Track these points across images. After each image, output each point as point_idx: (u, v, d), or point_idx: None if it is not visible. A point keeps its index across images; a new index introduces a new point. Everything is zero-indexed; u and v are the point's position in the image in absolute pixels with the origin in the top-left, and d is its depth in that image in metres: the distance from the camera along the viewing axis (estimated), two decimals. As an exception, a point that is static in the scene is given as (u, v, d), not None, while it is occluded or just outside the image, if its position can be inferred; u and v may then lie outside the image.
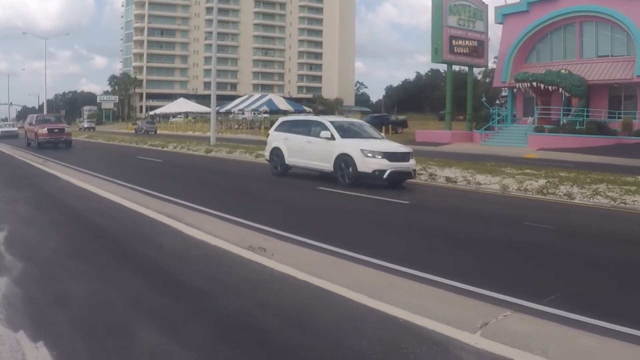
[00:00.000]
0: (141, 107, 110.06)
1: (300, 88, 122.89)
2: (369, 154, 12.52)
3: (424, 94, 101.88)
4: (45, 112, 56.37)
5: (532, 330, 3.93)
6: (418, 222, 9.20)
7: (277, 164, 15.21)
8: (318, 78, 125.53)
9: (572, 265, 6.27)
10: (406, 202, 10.78)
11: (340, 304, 4.58)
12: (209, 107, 36.47)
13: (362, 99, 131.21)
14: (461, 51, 36.05)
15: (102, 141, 38.14)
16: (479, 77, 77.01)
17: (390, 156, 12.61)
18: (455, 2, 35.67)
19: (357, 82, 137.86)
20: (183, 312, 4.35)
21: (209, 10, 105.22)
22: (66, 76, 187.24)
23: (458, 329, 3.99)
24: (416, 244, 7.39)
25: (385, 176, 12.40)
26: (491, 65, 52.70)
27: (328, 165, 13.37)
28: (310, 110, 69.04)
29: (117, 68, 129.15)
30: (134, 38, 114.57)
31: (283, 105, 61.52)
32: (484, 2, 37.78)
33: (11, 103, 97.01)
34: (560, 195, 11.62)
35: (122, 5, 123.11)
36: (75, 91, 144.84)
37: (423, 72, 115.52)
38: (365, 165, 12.47)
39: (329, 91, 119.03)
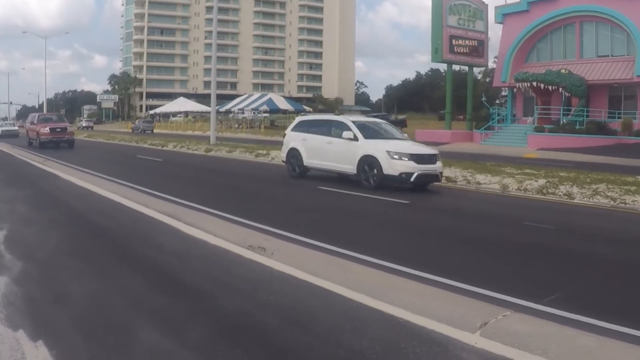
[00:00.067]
0: (141, 106, 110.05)
1: (300, 87, 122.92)
2: (395, 156, 11.95)
3: (424, 94, 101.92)
4: (45, 111, 56.28)
5: (532, 330, 3.93)
6: (418, 222, 9.20)
7: (294, 166, 14.54)
8: (318, 77, 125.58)
9: (572, 265, 6.27)
10: (406, 201, 10.78)
11: (340, 304, 4.58)
12: (209, 106, 36.48)
13: (362, 99, 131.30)
14: (461, 51, 36.03)
15: (102, 140, 38.16)
16: (479, 76, 77.08)
17: (418, 158, 12.05)
18: (455, 2, 35.66)
19: (357, 81, 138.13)
20: (183, 312, 4.35)
21: (209, 9, 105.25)
22: (66, 75, 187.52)
23: (458, 328, 3.99)
24: (416, 243, 7.40)
25: (412, 179, 11.84)
26: (491, 65, 52.73)
27: (351, 168, 12.76)
28: (311, 109, 69.03)
29: (117, 67, 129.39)
30: (134, 37, 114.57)
31: (283, 104, 61.49)
32: (484, 2, 37.76)
33: (11, 102, 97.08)
34: (560, 195, 11.62)
35: (122, 4, 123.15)
36: (75, 90, 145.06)
37: (423, 71, 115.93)
38: (392, 167, 11.91)
39: (329, 90, 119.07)
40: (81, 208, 9.49)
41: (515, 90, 36.84)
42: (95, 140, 38.74)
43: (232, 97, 77.81)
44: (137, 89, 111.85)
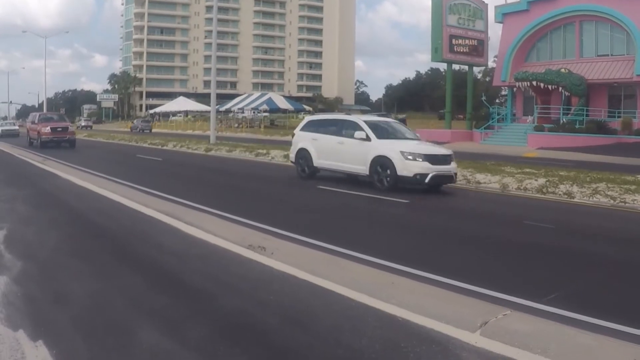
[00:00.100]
0: (141, 106, 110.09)
1: (300, 87, 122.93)
2: (410, 157, 11.69)
3: (424, 93, 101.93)
4: (45, 110, 56.21)
5: (532, 329, 3.93)
6: (417, 221, 9.20)
7: (303, 167, 14.18)
8: (318, 77, 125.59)
9: (572, 264, 6.27)
10: (406, 200, 10.78)
11: (340, 303, 4.58)
12: (209, 105, 36.46)
13: (362, 98, 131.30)
14: (461, 50, 36.01)
15: (102, 140, 38.15)
16: (479, 76, 77.06)
17: (432, 159, 11.79)
18: (455, 1, 35.63)
19: (357, 80, 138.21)
20: (183, 311, 4.35)
21: (208, 8, 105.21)
22: (66, 75, 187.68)
23: (458, 327, 3.99)
24: (416, 242, 7.40)
25: (427, 180, 11.57)
26: (491, 64, 52.75)
27: (363, 169, 12.45)
28: (311, 109, 69.01)
29: (117, 66, 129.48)
30: (134, 36, 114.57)
31: (283, 104, 61.47)
32: (483, 1, 37.73)
33: (11, 102, 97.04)
34: (560, 194, 11.62)
35: (122, 4, 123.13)
36: (75, 90, 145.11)
37: (423, 71, 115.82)
38: (406, 168, 11.62)
39: (329, 90, 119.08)
40: (81, 208, 9.49)
41: (515, 89, 36.83)
42: (95, 139, 38.74)
43: (232, 97, 77.84)
44: (137, 89, 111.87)
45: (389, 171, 11.88)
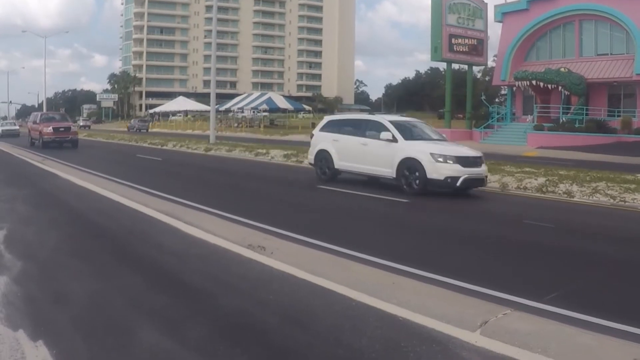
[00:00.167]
0: (141, 106, 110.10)
1: (299, 86, 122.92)
2: (440, 159, 11.15)
3: (424, 93, 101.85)
4: (45, 110, 56.13)
5: (532, 329, 3.93)
6: (417, 221, 9.20)
7: (324, 169, 13.52)
8: (317, 76, 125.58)
9: (572, 264, 6.27)
10: (405, 200, 10.78)
11: (340, 303, 4.57)
12: (209, 105, 36.41)
13: (361, 97, 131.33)
14: (461, 49, 36.01)
15: (102, 139, 38.14)
16: (479, 75, 76.99)
17: (464, 161, 11.30)
18: (454, 1, 35.63)
19: (357, 80, 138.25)
20: (182, 311, 4.35)
21: (208, 8, 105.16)
22: (66, 74, 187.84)
23: (458, 327, 3.99)
24: (416, 242, 7.40)
25: (458, 184, 11.08)
26: (491, 63, 52.72)
27: (389, 171, 11.90)
28: (310, 108, 69.02)
29: (117, 66, 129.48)
30: (134, 36, 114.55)
31: (283, 103, 61.42)
32: (483, 1, 37.73)
33: (10, 101, 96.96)
34: (559, 194, 11.62)
35: (122, 3, 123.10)
36: (75, 89, 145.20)
37: (423, 70, 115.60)
38: (437, 171, 11.08)
39: (329, 89, 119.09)
40: (81, 207, 9.48)
41: (514, 88, 36.85)
42: (95, 139, 38.72)
43: (231, 96, 77.78)
44: (137, 88, 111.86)
45: (417, 174, 11.34)
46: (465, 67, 40.12)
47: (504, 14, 38.49)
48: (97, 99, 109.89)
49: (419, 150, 11.56)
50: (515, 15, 37.41)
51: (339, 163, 13.19)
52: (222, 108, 61.87)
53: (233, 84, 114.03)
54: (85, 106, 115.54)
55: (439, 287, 4.95)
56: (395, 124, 12.50)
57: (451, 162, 11.18)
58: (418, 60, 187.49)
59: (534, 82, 32.00)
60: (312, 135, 14.67)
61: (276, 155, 20.32)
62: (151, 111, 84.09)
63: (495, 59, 46.50)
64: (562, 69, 32.35)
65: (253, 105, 59.94)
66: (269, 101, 59.86)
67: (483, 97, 41.84)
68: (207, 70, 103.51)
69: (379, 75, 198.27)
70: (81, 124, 73.70)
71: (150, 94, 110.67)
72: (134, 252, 6.35)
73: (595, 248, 7.17)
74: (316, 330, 3.99)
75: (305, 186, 12.96)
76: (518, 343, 3.72)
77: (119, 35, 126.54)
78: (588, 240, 7.69)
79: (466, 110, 38.82)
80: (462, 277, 5.26)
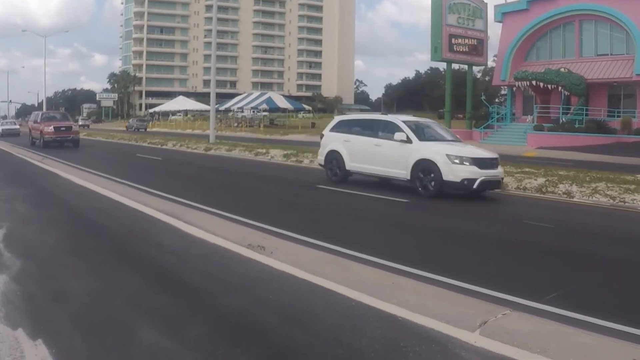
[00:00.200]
0: (140, 105, 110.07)
1: (299, 86, 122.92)
2: (456, 160, 10.91)
3: (424, 93, 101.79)
4: (44, 109, 56.11)
5: (531, 329, 3.93)
6: (417, 221, 9.20)
7: (334, 170, 13.22)
8: (317, 76, 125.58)
9: (571, 264, 6.28)
10: (405, 200, 10.78)
11: (339, 302, 4.57)
12: (209, 105, 36.39)
13: (361, 97, 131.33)
14: (461, 50, 36.00)
15: (101, 139, 38.12)
16: (479, 75, 76.94)
17: (480, 162, 11.06)
18: (454, 1, 35.62)
19: (357, 80, 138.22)
20: (182, 311, 4.35)
21: (208, 8, 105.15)
22: (66, 74, 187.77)
23: (457, 327, 3.99)
24: (416, 242, 7.40)
25: (475, 186, 10.85)
26: (491, 63, 52.70)
27: (403, 173, 11.65)
28: (310, 108, 68.97)
29: (117, 66, 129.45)
30: (134, 36, 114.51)
31: (282, 103, 61.38)
32: (483, 1, 37.72)
33: (10, 101, 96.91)
34: (559, 194, 11.62)
35: (122, 3, 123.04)
36: (75, 89, 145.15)
37: (423, 70, 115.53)
38: (453, 173, 10.84)
39: (329, 89, 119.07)
40: (80, 207, 9.48)
41: (514, 89, 36.84)
42: (95, 138, 38.70)
43: (231, 96, 77.72)
44: (137, 88, 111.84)
45: (432, 175, 11.09)
46: (465, 67, 40.13)
47: (504, 14, 38.48)
48: (97, 99, 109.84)
49: (434, 151, 11.32)
50: (515, 15, 37.40)
51: (350, 164, 12.92)
52: (222, 108, 61.83)
53: (233, 84, 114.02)
54: (85, 105, 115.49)
55: (439, 287, 4.95)
56: (409, 124, 12.24)
57: (467, 163, 10.96)
58: (418, 60, 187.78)
59: (533, 82, 31.99)
60: (322, 136, 14.30)
61: (276, 155, 20.32)
62: (151, 110, 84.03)
63: (495, 59, 46.51)
64: (562, 69, 32.34)
65: (253, 104, 59.90)
66: (269, 101, 59.82)
67: (483, 97, 41.83)
68: (207, 69, 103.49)
69: (379, 75, 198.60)
70: (80, 123, 73.62)
71: (150, 94, 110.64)
72: (133, 252, 6.35)
73: (594, 248, 7.17)
74: (316, 330, 3.99)
75: (305, 186, 12.96)
76: (517, 343, 3.73)
77: (119, 34, 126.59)
78: (587, 240, 7.70)
79: (466, 110, 38.82)
80: (461, 277, 5.26)
